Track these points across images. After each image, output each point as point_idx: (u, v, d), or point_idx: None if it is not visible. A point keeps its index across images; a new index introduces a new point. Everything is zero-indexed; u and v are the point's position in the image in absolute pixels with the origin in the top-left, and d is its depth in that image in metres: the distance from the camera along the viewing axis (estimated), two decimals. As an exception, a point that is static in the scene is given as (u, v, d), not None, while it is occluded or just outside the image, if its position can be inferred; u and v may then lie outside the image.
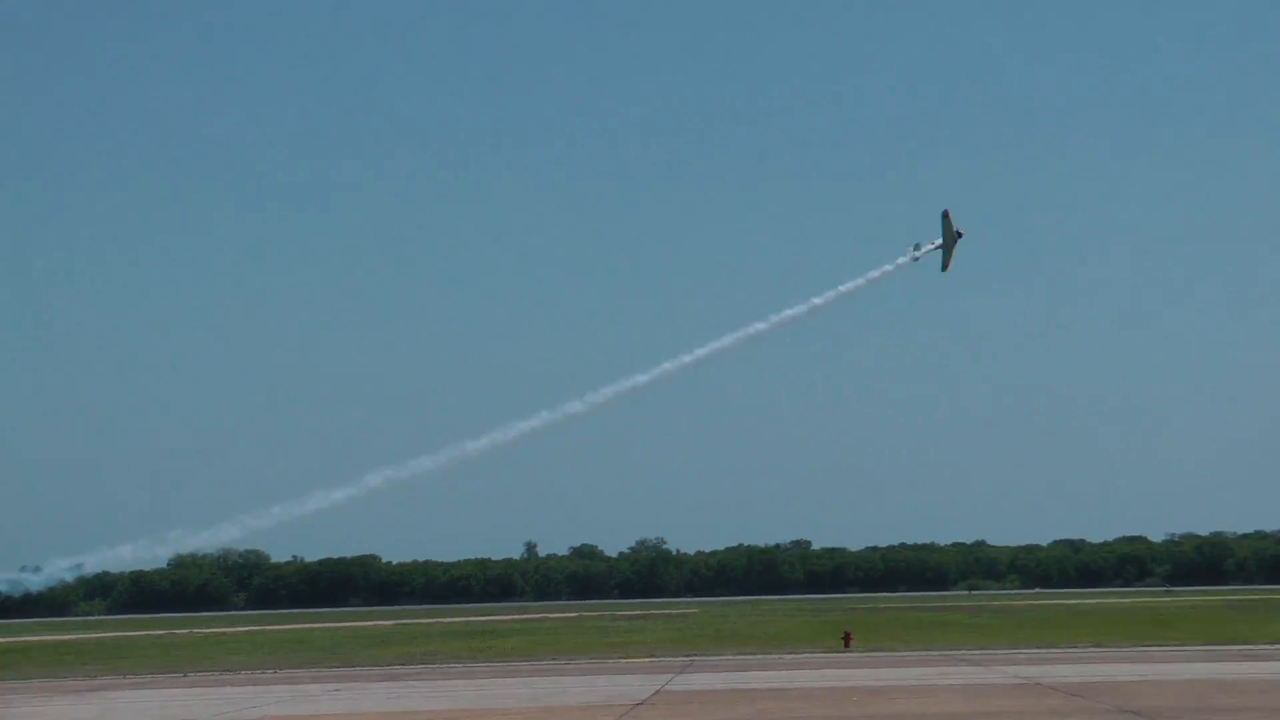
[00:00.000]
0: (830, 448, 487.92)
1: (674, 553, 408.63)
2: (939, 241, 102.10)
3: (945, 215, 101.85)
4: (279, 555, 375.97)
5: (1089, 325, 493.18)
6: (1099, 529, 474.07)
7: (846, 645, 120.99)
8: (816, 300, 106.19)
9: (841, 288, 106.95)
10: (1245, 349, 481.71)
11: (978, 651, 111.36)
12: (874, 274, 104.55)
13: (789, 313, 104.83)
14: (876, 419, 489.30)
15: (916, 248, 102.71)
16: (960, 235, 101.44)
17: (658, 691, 71.56)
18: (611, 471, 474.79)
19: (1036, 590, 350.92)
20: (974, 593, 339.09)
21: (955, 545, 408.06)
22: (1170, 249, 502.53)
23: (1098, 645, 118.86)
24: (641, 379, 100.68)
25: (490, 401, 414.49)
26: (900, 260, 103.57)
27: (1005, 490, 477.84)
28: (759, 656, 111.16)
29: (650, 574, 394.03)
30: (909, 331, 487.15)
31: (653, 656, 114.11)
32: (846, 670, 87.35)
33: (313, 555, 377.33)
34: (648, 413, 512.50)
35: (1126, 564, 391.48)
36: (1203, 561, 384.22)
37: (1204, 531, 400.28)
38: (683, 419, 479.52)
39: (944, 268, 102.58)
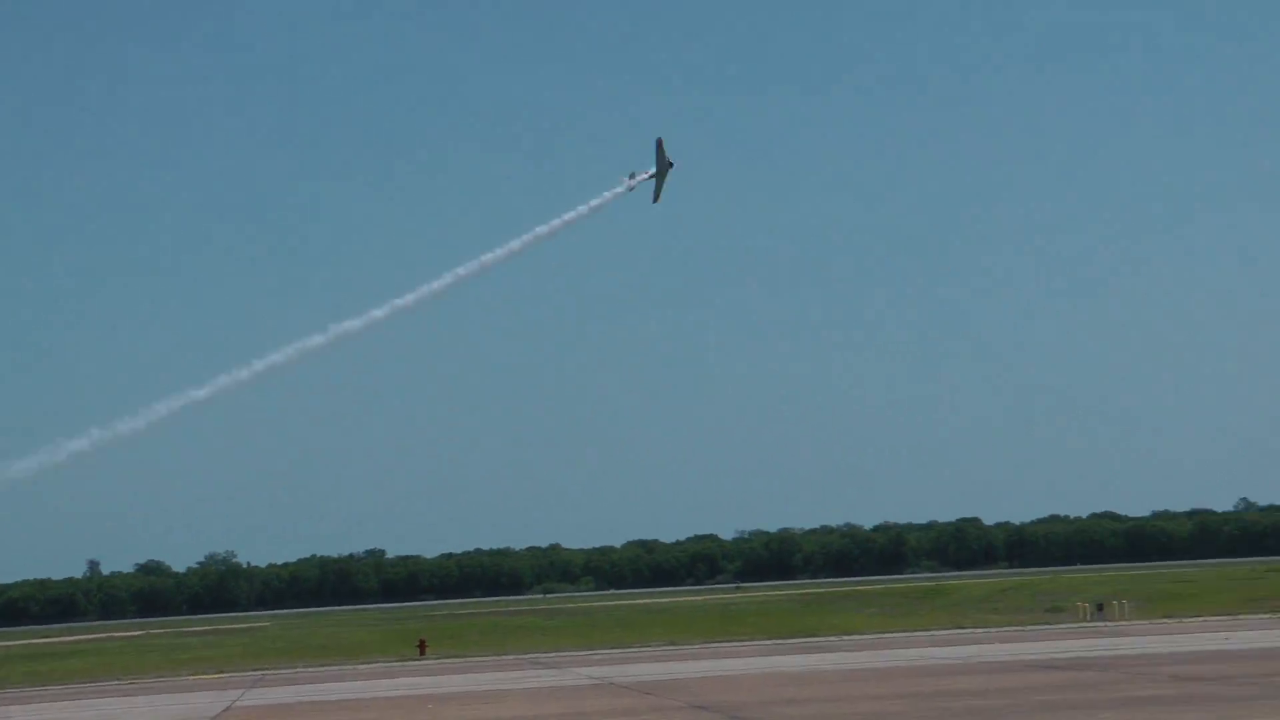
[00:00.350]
0: (403, 455, 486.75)
1: (245, 566, 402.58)
2: (652, 171, 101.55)
3: (659, 144, 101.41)
4: None
5: (636, 334, 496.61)
6: (671, 529, 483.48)
7: (422, 653, 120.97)
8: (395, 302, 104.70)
9: (555, 221, 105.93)
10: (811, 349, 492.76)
11: (553, 654, 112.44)
12: (594, 202, 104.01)
13: (349, 324, 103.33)
14: (445, 425, 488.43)
15: (631, 176, 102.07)
16: (672, 165, 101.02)
17: (228, 708, 70.34)
18: (177, 485, 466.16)
19: (611, 591, 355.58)
20: (549, 596, 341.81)
21: (530, 549, 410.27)
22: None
23: (671, 644, 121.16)
24: (199, 393, 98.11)
25: (38, 418, 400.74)
26: (617, 189, 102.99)
27: (577, 494, 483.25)
28: (334, 668, 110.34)
29: (220, 588, 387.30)
30: (488, 337, 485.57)
31: (222, 673, 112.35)
32: (422, 678, 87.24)
33: None
34: (212, 424, 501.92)
35: (698, 562, 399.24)
36: (771, 558, 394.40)
37: (772, 528, 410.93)
38: (249, 430, 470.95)
39: (655, 198, 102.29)
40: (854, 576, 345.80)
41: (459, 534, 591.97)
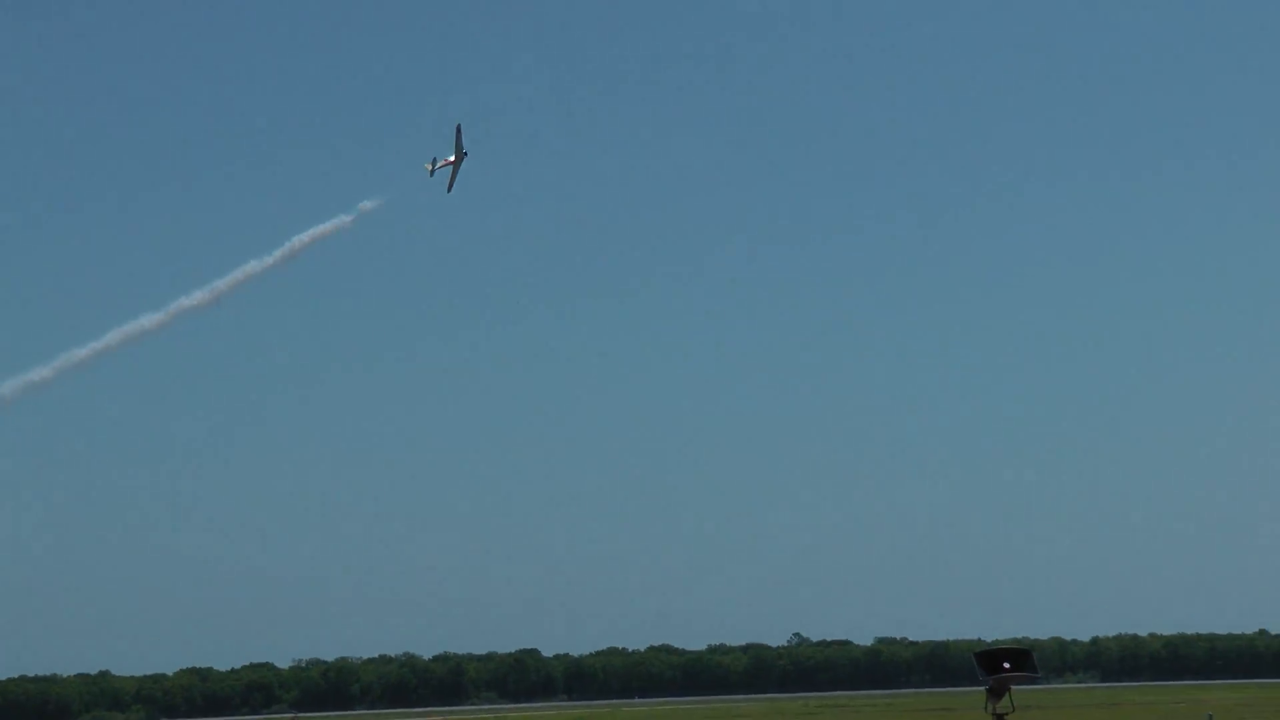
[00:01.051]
0: None
1: None
2: (451, 158, 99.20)
3: (457, 130, 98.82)
4: None
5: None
6: (225, 656, 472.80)
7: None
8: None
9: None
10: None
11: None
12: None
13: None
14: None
15: (433, 162, 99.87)
16: (466, 154, 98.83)
17: None
18: None
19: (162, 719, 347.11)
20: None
21: (79, 676, 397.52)
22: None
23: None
24: None
25: None
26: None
27: (127, 617, 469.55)
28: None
29: None
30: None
31: None
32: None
33: None
34: None
35: (254, 691, 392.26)
36: (329, 687, 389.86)
37: (330, 657, 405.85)
38: None
39: (449, 188, 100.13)
40: (413, 707, 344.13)
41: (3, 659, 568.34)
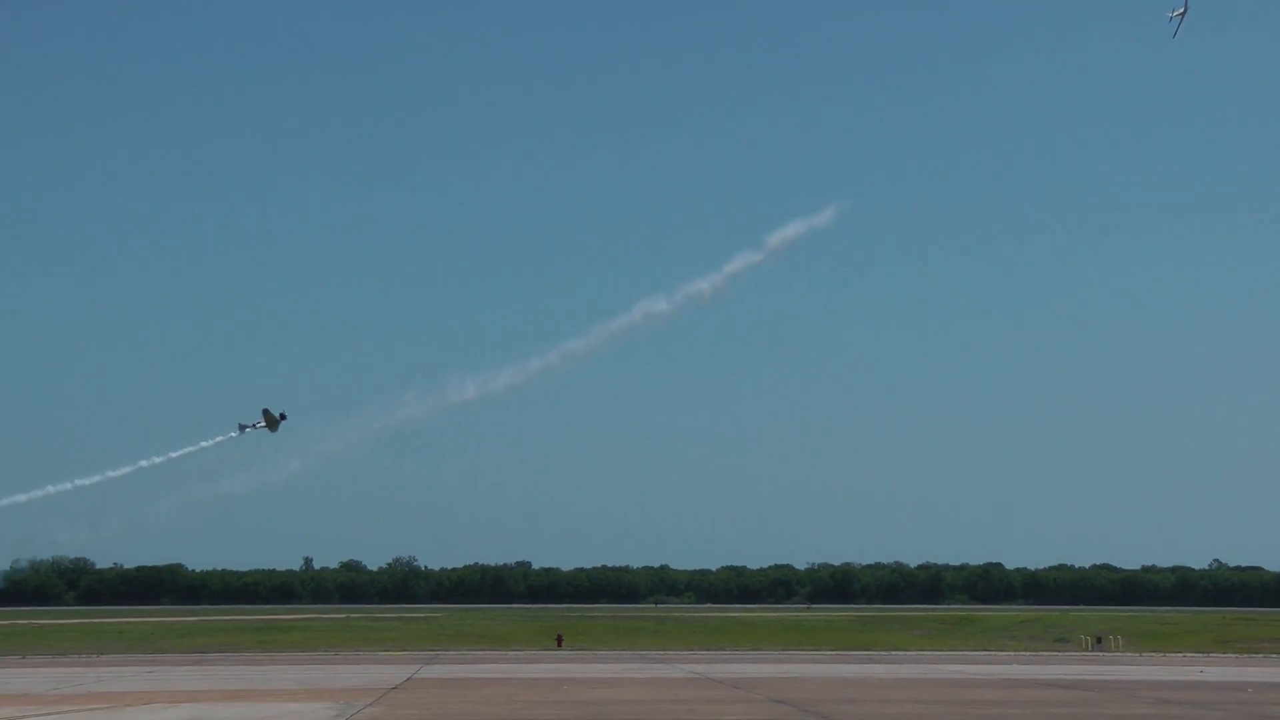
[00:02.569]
0: (550, 486, 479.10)
1: (423, 568, 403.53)
2: (1182, 10, 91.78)
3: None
4: (103, 562, 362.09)
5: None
6: (756, 557, 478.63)
7: (559, 645, 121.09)
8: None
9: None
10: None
11: (661, 652, 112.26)
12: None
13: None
14: (585, 461, 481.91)
15: (1172, 11, 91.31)
16: (1185, 11, 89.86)
17: (409, 678, 70.82)
18: (375, 497, 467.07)
19: (708, 604, 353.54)
20: (659, 605, 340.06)
21: (645, 568, 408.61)
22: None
23: (754, 649, 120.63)
24: (402, 414, 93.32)
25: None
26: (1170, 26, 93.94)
27: (682, 522, 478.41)
28: (489, 652, 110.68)
29: (404, 585, 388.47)
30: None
31: (405, 650, 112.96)
32: (559, 664, 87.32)
33: (130, 563, 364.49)
34: (409, 447, 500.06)
35: (777, 585, 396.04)
36: (835, 585, 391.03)
37: (836, 562, 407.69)
38: (430, 457, 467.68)
39: (1174, 35, 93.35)
40: (901, 604, 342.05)
41: (590, 552, 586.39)
